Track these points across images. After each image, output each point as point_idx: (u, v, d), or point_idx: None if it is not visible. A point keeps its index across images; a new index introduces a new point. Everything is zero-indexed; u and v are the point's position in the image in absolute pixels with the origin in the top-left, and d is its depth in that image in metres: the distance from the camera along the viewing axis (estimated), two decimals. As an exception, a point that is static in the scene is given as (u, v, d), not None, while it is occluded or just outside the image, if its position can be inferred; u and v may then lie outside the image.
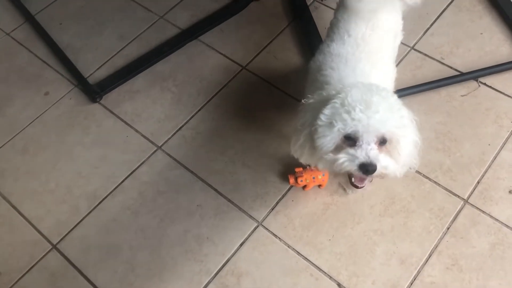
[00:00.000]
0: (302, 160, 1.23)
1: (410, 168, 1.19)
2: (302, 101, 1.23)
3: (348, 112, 1.04)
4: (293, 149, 1.23)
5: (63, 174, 1.71)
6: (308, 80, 1.37)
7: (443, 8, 1.97)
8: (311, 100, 1.18)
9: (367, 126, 1.04)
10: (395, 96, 1.15)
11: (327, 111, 1.08)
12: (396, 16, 1.41)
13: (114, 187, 1.66)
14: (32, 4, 2.18)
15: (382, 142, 1.08)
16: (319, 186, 1.58)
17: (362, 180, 1.17)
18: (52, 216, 1.62)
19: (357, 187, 1.18)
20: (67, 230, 1.59)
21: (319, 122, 1.08)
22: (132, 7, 2.14)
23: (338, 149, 1.09)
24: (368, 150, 1.05)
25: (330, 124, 1.06)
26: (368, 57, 1.26)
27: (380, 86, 1.14)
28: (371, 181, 1.18)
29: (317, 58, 1.35)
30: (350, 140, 1.07)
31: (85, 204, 1.64)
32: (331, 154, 1.09)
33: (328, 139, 1.08)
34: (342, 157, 1.06)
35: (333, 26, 1.40)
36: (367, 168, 1.05)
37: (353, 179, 1.17)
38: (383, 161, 1.07)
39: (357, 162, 1.06)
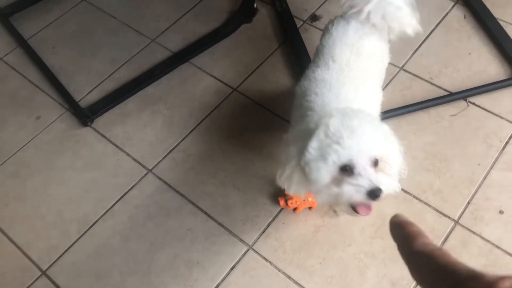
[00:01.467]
0: (291, 191, 1.22)
1: (400, 176, 1.19)
2: (283, 135, 1.23)
3: (337, 142, 1.04)
4: (279, 181, 1.21)
5: (54, 199, 1.70)
6: (294, 106, 1.37)
7: (432, 29, 1.99)
8: (292, 134, 1.18)
9: (359, 152, 1.04)
10: (371, 114, 1.15)
11: (314, 144, 1.06)
12: (382, 42, 1.42)
13: (105, 211, 1.66)
14: (25, 28, 2.20)
15: (375, 163, 1.09)
16: (310, 208, 1.57)
17: (368, 208, 1.14)
18: (42, 241, 1.61)
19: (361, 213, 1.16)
20: (57, 255, 1.58)
21: (309, 156, 1.06)
22: (124, 31, 2.16)
23: (335, 181, 1.08)
24: (369, 176, 1.05)
25: (322, 157, 1.05)
26: (351, 82, 1.27)
27: (353, 108, 1.14)
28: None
29: (302, 83, 1.35)
30: (346, 170, 1.06)
31: (76, 229, 1.63)
32: (334, 189, 1.07)
33: (324, 172, 1.06)
34: (347, 190, 1.05)
35: (318, 51, 1.41)
36: (376, 194, 1.04)
37: (358, 210, 1.14)
38: (384, 182, 1.07)
39: (364, 190, 1.05)
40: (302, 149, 1.09)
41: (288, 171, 1.16)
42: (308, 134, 1.10)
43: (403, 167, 1.19)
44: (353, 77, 1.28)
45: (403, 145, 1.19)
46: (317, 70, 1.33)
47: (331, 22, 1.44)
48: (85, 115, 1.87)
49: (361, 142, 1.04)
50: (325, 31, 1.44)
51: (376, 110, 1.33)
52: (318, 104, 1.24)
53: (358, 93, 1.26)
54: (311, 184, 1.11)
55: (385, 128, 1.12)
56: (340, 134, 1.04)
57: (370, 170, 1.06)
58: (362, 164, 1.05)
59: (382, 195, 1.06)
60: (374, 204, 1.14)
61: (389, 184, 1.09)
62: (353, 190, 1.06)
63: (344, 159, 1.04)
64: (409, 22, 1.37)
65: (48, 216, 1.66)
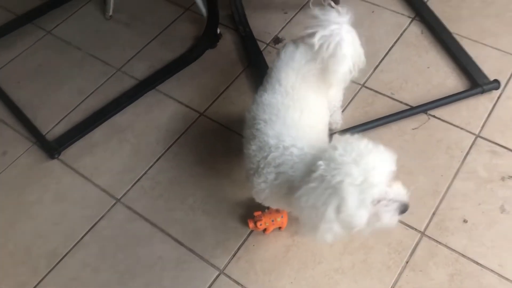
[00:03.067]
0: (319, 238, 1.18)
1: None
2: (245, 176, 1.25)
3: (370, 187, 1.05)
4: (307, 232, 1.19)
5: (21, 235, 1.68)
6: (245, 135, 1.36)
7: (391, 45, 2.05)
8: (308, 196, 1.11)
9: (381, 182, 1.08)
10: (364, 139, 1.16)
11: (351, 198, 1.05)
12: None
13: (74, 243, 1.64)
14: (-11, 64, 2.20)
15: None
16: (279, 228, 1.58)
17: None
18: (10, 279, 1.59)
19: None
20: (26, 292, 1.56)
21: (351, 211, 1.06)
22: (89, 62, 2.17)
23: (372, 215, 1.11)
24: (395, 197, 1.10)
25: (361, 203, 1.06)
26: (296, 104, 1.29)
27: (348, 140, 1.15)
28: None
29: (252, 108, 1.36)
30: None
31: (45, 264, 1.61)
32: (376, 223, 1.12)
33: (365, 215, 1.08)
34: (385, 217, 1.11)
35: (267, 75, 1.42)
36: (405, 209, 1.12)
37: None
38: (398, 190, 1.12)
39: (398, 211, 1.12)
40: (338, 208, 1.07)
41: (325, 226, 1.12)
42: (332, 190, 1.06)
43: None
44: (297, 99, 1.30)
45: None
46: (264, 95, 1.35)
47: (283, 47, 1.47)
48: (52, 148, 1.87)
49: (383, 173, 1.08)
50: (277, 55, 1.47)
51: (323, 130, 1.35)
52: (270, 136, 1.24)
53: (303, 114, 1.28)
54: (351, 227, 1.12)
55: (382, 147, 1.15)
56: (367, 177, 1.05)
57: (389, 190, 1.10)
58: (384, 189, 1.09)
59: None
60: None
61: (403, 191, 1.14)
62: (389, 216, 1.11)
63: (376, 196, 1.08)
64: (342, 77, 1.40)
65: (16, 253, 1.64)
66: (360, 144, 1.11)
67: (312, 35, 1.33)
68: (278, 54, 1.46)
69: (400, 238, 1.54)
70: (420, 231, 1.55)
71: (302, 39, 1.41)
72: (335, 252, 1.53)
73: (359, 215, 1.08)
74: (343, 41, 1.31)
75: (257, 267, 1.53)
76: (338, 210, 1.08)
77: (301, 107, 1.29)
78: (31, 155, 1.89)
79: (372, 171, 1.06)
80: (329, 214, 1.08)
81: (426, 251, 1.51)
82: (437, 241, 1.53)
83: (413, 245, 1.52)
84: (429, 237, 1.54)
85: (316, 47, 1.31)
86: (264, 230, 1.58)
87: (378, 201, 1.09)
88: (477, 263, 1.47)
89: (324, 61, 1.34)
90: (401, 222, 1.57)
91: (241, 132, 1.83)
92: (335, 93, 1.54)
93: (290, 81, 1.33)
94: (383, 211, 1.10)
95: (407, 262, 1.49)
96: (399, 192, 1.12)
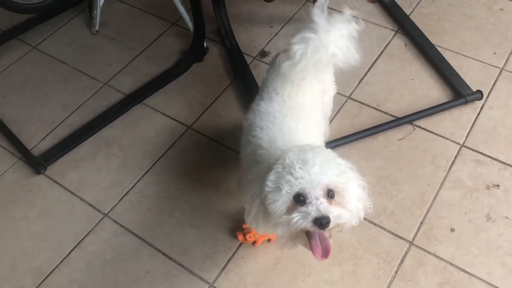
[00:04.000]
0: (260, 231, 1.23)
1: (365, 210, 1.22)
2: (240, 177, 1.24)
3: (290, 173, 1.08)
4: (248, 221, 1.24)
5: (6, 252, 1.65)
6: (242, 142, 1.40)
7: (375, 58, 2.08)
8: (253, 174, 1.20)
9: (311, 182, 1.07)
10: (329, 150, 1.19)
11: (271, 177, 1.10)
12: (325, 75, 1.47)
13: (61, 260, 1.62)
14: (-26, 79, 2.18)
15: (330, 195, 1.11)
16: (269, 240, 1.58)
17: (325, 252, 1.15)
18: (-5, 297, 1.56)
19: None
20: (11, 311, 1.53)
21: (267, 189, 1.10)
22: (75, 76, 2.16)
23: (290, 210, 1.11)
24: (318, 205, 1.08)
25: (278, 189, 1.09)
26: (293, 112, 1.31)
27: (313, 145, 1.18)
28: (330, 237, 1.18)
29: (248, 116, 1.39)
30: (300, 201, 1.09)
31: (31, 281, 1.58)
32: (285, 216, 1.10)
33: (280, 203, 1.10)
34: (296, 216, 1.08)
35: (263, 84, 1.45)
36: (321, 222, 1.07)
37: (313, 251, 1.16)
38: (335, 211, 1.09)
39: (310, 218, 1.07)
40: (263, 185, 1.11)
41: (254, 210, 1.18)
42: (269, 170, 1.13)
43: (367, 202, 1.21)
44: (294, 108, 1.32)
45: (365, 181, 1.21)
46: (261, 103, 1.37)
47: (276, 56, 1.49)
48: (38, 163, 1.85)
49: (313, 172, 1.07)
50: (270, 65, 1.49)
51: (319, 139, 1.37)
52: (265, 140, 1.27)
53: (299, 123, 1.30)
54: (271, 217, 1.13)
55: (341, 163, 1.15)
56: (294, 165, 1.08)
57: (322, 200, 1.09)
58: (314, 194, 1.08)
59: (331, 225, 1.08)
60: (331, 251, 1.16)
61: (341, 215, 1.10)
62: (300, 217, 1.08)
63: (296, 188, 1.08)
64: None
65: (1, 271, 1.61)
66: (321, 151, 1.13)
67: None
68: (271, 63, 1.48)
69: (388, 248, 1.55)
70: (409, 241, 1.56)
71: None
72: (325, 264, 1.53)
73: (273, 199, 1.09)
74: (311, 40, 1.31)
75: (247, 280, 1.52)
76: (261, 188, 1.12)
77: (298, 116, 1.31)
78: (16, 171, 1.86)
79: (305, 165, 1.07)
80: (255, 192, 1.14)
81: (415, 261, 1.52)
82: (425, 250, 1.53)
83: (402, 255, 1.53)
84: (418, 246, 1.54)
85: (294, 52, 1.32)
86: (254, 242, 1.57)
87: (300, 199, 1.08)
88: (465, 271, 1.48)
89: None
90: (389, 232, 1.58)
91: (229, 144, 1.86)
92: (328, 100, 1.56)
93: (286, 90, 1.36)
94: (297, 211, 1.08)
95: (396, 272, 1.50)
96: (330, 209, 1.08)
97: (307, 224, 1.08)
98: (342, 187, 1.12)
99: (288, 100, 1.34)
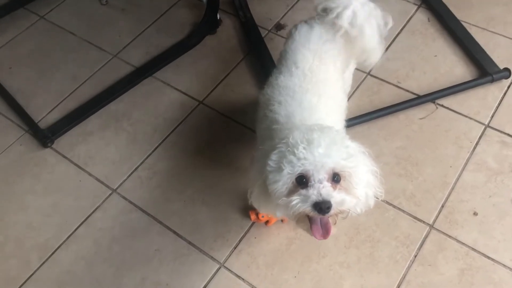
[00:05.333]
0: (262, 211, 1.18)
1: (376, 198, 1.15)
2: (253, 153, 1.19)
3: (293, 153, 1.01)
4: (250, 200, 1.18)
5: (12, 226, 1.61)
6: (258, 117, 1.33)
7: (396, 33, 1.98)
8: (261, 151, 1.14)
9: (314, 163, 1.00)
10: (339, 131, 1.11)
11: (274, 156, 1.04)
12: (346, 47, 1.39)
13: (67, 236, 1.57)
14: (-20, 49, 2.12)
15: (336, 179, 1.04)
16: (282, 220, 1.52)
17: (325, 231, 1.09)
18: (0, 273, 1.52)
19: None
20: (17, 287, 1.48)
21: (269, 168, 1.04)
22: (84, 48, 2.09)
23: (291, 193, 1.04)
24: (320, 188, 1.01)
25: (279, 169, 1.02)
26: (314, 88, 1.24)
27: (322, 124, 1.10)
28: (335, 224, 1.12)
29: (266, 91, 1.32)
30: (302, 183, 1.03)
31: (36, 257, 1.54)
32: (285, 198, 1.04)
33: (280, 184, 1.03)
34: (295, 199, 1.02)
35: (282, 57, 1.38)
36: (321, 206, 1.00)
37: (312, 231, 1.10)
38: (338, 197, 1.02)
39: (310, 201, 1.01)
40: (265, 164, 1.05)
41: (256, 190, 1.12)
42: (273, 149, 1.06)
43: (378, 189, 1.14)
44: (316, 83, 1.24)
45: (378, 167, 1.13)
46: (280, 77, 1.30)
47: (295, 27, 1.42)
48: (45, 136, 1.79)
49: (317, 153, 1.00)
50: (289, 36, 1.42)
51: (339, 118, 1.29)
52: (282, 115, 1.20)
53: (321, 99, 1.22)
54: (271, 197, 1.07)
55: (350, 145, 1.07)
56: (297, 145, 1.01)
57: (325, 184, 1.02)
58: (318, 177, 1.01)
59: (332, 211, 1.01)
60: (332, 229, 1.10)
61: (344, 201, 1.03)
62: (300, 200, 1.01)
63: (298, 170, 1.01)
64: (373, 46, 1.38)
65: (7, 246, 1.57)
66: (329, 131, 1.06)
67: (325, 11, 1.30)
68: (290, 35, 1.41)
69: (408, 231, 1.48)
70: (429, 224, 1.49)
71: (316, 18, 1.37)
72: (340, 246, 1.47)
73: (274, 179, 1.03)
74: (357, 10, 1.31)
75: (259, 260, 1.47)
76: (264, 169, 1.06)
77: (320, 92, 1.23)
78: (23, 144, 1.81)
79: (309, 146, 1.00)
80: (259, 171, 1.08)
81: (435, 245, 1.45)
82: (446, 234, 1.47)
83: (422, 238, 1.46)
84: (438, 230, 1.48)
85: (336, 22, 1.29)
86: (266, 222, 1.51)
87: (302, 181, 1.02)
88: (488, 257, 1.41)
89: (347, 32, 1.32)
90: (408, 214, 1.51)
91: (242, 121, 1.79)
92: (348, 76, 1.49)
93: (307, 64, 1.28)
94: (297, 193, 1.02)
95: (415, 256, 1.44)
96: (332, 194, 1.01)
97: (306, 208, 1.01)
98: (349, 171, 1.04)
99: (309, 74, 1.26)
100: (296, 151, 1.00)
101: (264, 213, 1.18)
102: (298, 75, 1.27)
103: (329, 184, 1.02)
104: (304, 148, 1.00)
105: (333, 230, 1.10)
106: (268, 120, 1.24)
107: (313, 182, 1.01)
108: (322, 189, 1.00)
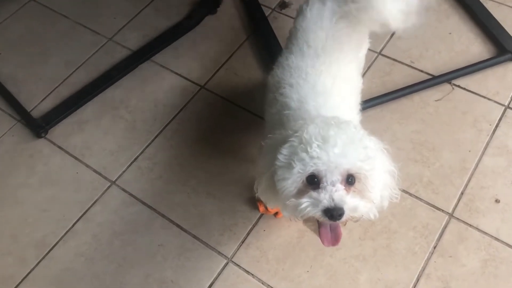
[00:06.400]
0: (270, 205, 1.09)
1: (391, 200, 1.06)
2: (262, 143, 1.10)
3: (306, 151, 0.92)
4: (257, 193, 1.10)
5: (7, 222, 1.53)
6: (267, 100, 1.24)
7: (408, 10, 1.87)
8: (271, 140, 1.05)
9: (328, 163, 0.92)
10: (357, 127, 1.01)
11: (285, 150, 0.96)
12: (360, 25, 1.29)
13: (65, 231, 1.50)
14: (-32, 35, 2.01)
15: (350, 181, 0.95)
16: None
17: (335, 239, 1.02)
18: (-4, 271, 1.44)
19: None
20: (13, 286, 1.41)
21: (278, 163, 0.95)
22: (78, 31, 1.99)
23: (301, 193, 0.96)
24: (332, 192, 0.92)
25: (289, 165, 0.94)
26: (328, 69, 1.14)
27: (340, 119, 1.01)
28: (345, 225, 1.03)
29: (275, 72, 1.23)
30: (314, 183, 0.94)
31: (33, 254, 1.46)
32: (293, 199, 0.95)
33: (289, 183, 0.95)
34: (305, 202, 0.93)
35: (292, 36, 1.28)
36: (332, 213, 0.92)
37: (320, 237, 1.02)
38: (351, 203, 0.94)
39: (321, 206, 0.92)
40: (275, 157, 0.96)
41: (264, 183, 1.04)
42: (285, 141, 0.97)
43: (394, 190, 1.05)
44: (330, 63, 1.15)
45: (396, 167, 1.04)
46: (291, 57, 1.21)
47: (306, 3, 1.31)
48: (38, 126, 1.70)
49: (332, 153, 0.91)
50: (299, 13, 1.31)
51: (356, 99, 1.20)
52: (294, 100, 1.11)
53: (336, 81, 1.12)
54: (279, 195, 0.98)
55: (369, 146, 0.97)
56: (311, 142, 0.92)
57: (338, 187, 0.93)
58: (331, 179, 0.93)
59: (344, 218, 0.93)
60: (341, 239, 1.01)
61: (358, 207, 0.94)
62: (310, 204, 0.93)
63: (310, 169, 0.92)
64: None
65: (1, 243, 1.49)
66: (347, 127, 0.96)
67: None
68: (300, 12, 1.30)
69: (426, 220, 1.40)
70: (448, 213, 1.41)
71: None
72: (355, 238, 1.39)
73: (283, 177, 0.95)
74: None
75: (269, 255, 1.39)
76: (273, 162, 0.98)
77: (334, 74, 1.14)
78: (15, 134, 1.72)
79: (324, 144, 0.91)
80: (267, 163, 1.01)
81: (455, 235, 1.37)
82: (467, 224, 1.39)
83: (441, 228, 1.38)
84: (458, 219, 1.40)
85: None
86: (276, 213, 1.44)
87: (314, 182, 0.94)
88: (513, 248, 1.34)
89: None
90: (426, 203, 1.43)
91: (247, 106, 1.70)
92: (361, 56, 1.38)
93: (320, 43, 1.18)
94: (307, 195, 0.94)
95: (434, 247, 1.36)
96: (346, 199, 0.93)
97: (316, 213, 0.93)
98: (366, 174, 0.95)
99: (323, 54, 1.16)
100: (309, 149, 0.91)
101: (272, 207, 1.10)
102: (311, 55, 1.18)
103: (343, 187, 0.93)
104: (318, 146, 0.91)
105: (341, 237, 1.02)
106: (278, 104, 1.15)
107: (325, 183, 0.92)
108: (335, 193, 0.92)
